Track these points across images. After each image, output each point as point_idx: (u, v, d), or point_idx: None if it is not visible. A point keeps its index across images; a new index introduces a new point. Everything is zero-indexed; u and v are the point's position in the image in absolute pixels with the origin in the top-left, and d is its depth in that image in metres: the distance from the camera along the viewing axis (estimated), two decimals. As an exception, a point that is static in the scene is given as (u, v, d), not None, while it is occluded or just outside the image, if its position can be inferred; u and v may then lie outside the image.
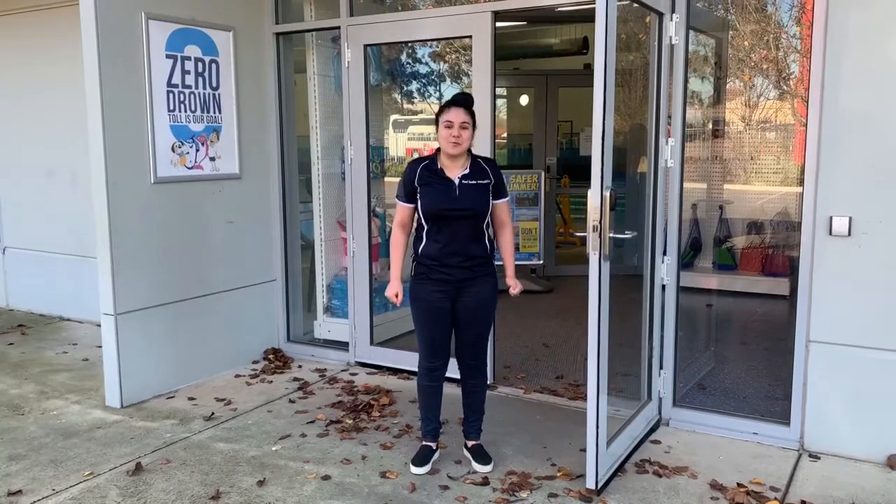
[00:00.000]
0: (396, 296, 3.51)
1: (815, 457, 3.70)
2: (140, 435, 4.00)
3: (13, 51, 6.54)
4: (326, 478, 3.49)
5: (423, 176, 3.43)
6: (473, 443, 3.66)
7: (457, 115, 3.36)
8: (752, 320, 6.45)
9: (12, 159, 6.75)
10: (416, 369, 3.62)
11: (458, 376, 3.65)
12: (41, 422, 4.20)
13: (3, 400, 4.55)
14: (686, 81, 3.92)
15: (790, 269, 6.94)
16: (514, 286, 3.55)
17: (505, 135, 10.97)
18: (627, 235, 3.37)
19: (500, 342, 5.16)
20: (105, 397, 4.47)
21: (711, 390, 4.59)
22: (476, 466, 3.57)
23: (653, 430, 3.98)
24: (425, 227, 3.46)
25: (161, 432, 4.04)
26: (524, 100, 9.97)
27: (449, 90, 9.95)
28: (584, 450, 3.41)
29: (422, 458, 3.59)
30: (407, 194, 3.48)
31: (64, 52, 5.96)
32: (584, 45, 8.86)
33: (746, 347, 5.64)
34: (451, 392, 3.77)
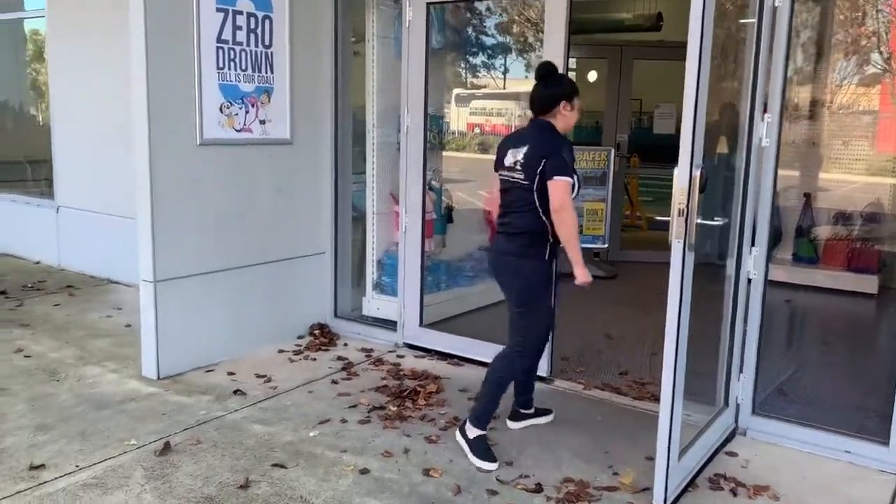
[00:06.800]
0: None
1: (917, 483, 3.25)
2: (173, 410, 3.79)
3: (67, 5, 6.40)
4: (365, 471, 3.21)
5: None
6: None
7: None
8: (836, 319, 5.92)
9: (67, 117, 6.65)
10: (466, 356, 3.32)
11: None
12: (75, 390, 4.03)
13: (42, 364, 4.41)
14: (789, 49, 3.46)
15: (880, 266, 6.37)
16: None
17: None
18: (718, 222, 2.96)
19: (558, 331, 4.73)
20: (142, 367, 4.28)
21: (793, 397, 4.14)
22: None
23: (728, 440, 3.57)
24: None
25: (195, 409, 3.82)
26: (592, 76, 9.50)
27: (514, 64, 9.53)
28: (650, 458, 3.05)
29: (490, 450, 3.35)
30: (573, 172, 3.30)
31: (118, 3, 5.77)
32: (659, 20, 8.32)
33: (830, 349, 5.15)
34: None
